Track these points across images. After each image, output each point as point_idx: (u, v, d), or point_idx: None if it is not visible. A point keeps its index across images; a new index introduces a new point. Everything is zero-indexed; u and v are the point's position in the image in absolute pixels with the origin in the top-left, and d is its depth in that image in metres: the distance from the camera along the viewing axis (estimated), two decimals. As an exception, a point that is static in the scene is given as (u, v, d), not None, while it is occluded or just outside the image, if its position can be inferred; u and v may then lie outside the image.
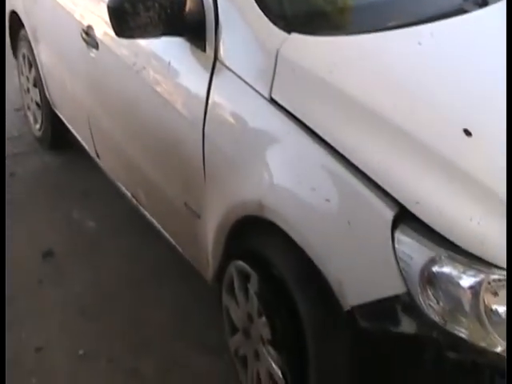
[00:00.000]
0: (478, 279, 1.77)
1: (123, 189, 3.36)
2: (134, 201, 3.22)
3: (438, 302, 1.80)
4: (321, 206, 1.98)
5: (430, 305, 1.81)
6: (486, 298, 1.78)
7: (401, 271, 1.83)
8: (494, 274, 1.76)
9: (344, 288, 1.95)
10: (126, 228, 3.72)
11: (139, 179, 3.08)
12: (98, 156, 3.57)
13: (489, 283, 1.76)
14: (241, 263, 2.40)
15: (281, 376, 2.29)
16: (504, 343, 1.76)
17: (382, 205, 1.86)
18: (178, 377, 2.78)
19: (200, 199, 2.57)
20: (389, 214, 1.84)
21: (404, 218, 1.85)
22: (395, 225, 1.85)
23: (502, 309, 1.78)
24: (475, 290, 1.78)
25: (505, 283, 1.77)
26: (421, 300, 1.81)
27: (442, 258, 1.78)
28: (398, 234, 1.83)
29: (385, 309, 1.89)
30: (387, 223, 1.84)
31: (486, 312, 1.77)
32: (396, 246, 1.83)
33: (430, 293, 1.81)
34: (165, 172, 2.79)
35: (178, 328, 3.03)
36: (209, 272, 2.66)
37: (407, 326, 1.88)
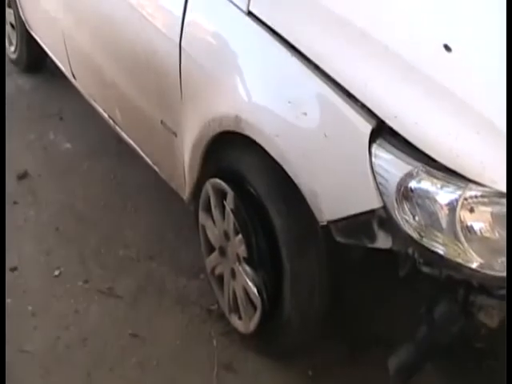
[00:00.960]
0: (454, 195, 1.74)
1: (100, 110, 3.29)
2: (111, 121, 3.16)
3: (414, 218, 1.78)
4: (298, 120, 1.95)
5: (406, 220, 1.79)
6: (463, 214, 1.75)
7: (378, 186, 1.80)
8: (470, 190, 1.73)
9: (320, 202, 1.93)
10: (103, 150, 3.67)
11: (116, 98, 3.01)
12: (74, 77, 3.49)
13: (465, 199, 1.74)
14: (217, 181, 2.37)
15: (256, 294, 2.27)
16: (479, 259, 1.74)
17: (360, 118, 1.82)
18: (153, 296, 2.76)
19: (176, 116, 2.52)
20: (366, 127, 1.81)
21: (382, 132, 1.82)
22: (373, 139, 1.81)
23: (477, 225, 1.76)
24: (452, 206, 1.75)
25: (481, 200, 1.74)
26: (397, 215, 1.79)
27: (419, 172, 1.75)
28: (375, 149, 1.80)
29: (361, 224, 1.87)
30: (365, 137, 1.81)
31: (461, 228, 1.75)
32: (373, 160, 1.80)
33: (406, 208, 1.78)
34: (141, 89, 2.73)
35: (153, 249, 3.00)
36: (186, 191, 2.61)
37: (383, 241, 1.87)
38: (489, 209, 1.75)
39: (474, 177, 1.73)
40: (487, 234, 1.75)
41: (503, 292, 1.81)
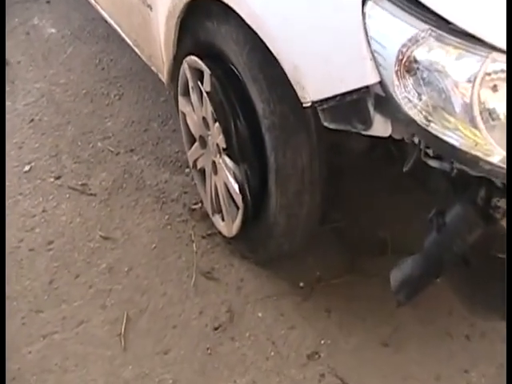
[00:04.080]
0: (473, 68, 1.32)
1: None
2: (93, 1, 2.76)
3: (419, 97, 1.39)
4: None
5: (409, 100, 1.40)
6: (483, 93, 1.34)
7: (373, 55, 1.39)
8: (495, 61, 1.31)
9: (302, 77, 1.56)
10: (89, 34, 3.35)
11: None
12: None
13: (488, 74, 1.33)
14: (193, 58, 2.02)
15: (238, 190, 1.91)
16: (502, 151, 1.35)
17: None
18: (130, 193, 2.44)
19: None
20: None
21: None
22: None
23: (501, 108, 1.35)
24: (469, 82, 1.34)
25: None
26: (397, 93, 1.40)
27: (427, 36, 1.34)
28: (370, 8, 1.41)
29: (353, 104, 1.49)
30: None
31: (481, 112, 1.35)
32: (367, 21, 1.39)
33: (409, 84, 1.39)
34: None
35: (135, 141, 2.66)
36: (164, 73, 2.23)
37: (381, 126, 1.49)
38: None
39: (499, 44, 1.29)
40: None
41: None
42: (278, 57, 1.60)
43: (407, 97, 1.39)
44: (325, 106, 1.53)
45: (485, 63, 1.31)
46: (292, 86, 1.64)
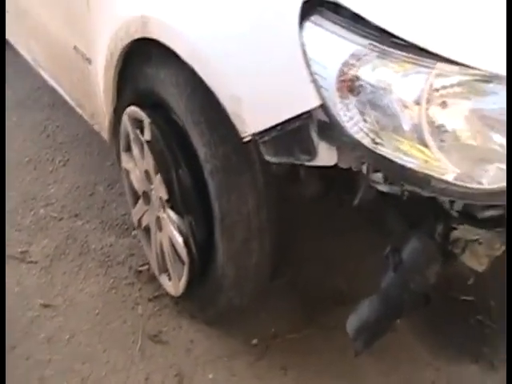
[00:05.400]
0: (419, 85, 1.24)
1: (23, 53, 2.81)
2: (31, 59, 2.68)
3: (364, 118, 1.29)
4: (211, 4, 1.45)
5: (353, 122, 1.30)
6: (432, 111, 1.26)
7: (313, 78, 1.30)
8: (442, 74, 1.25)
9: (242, 109, 1.47)
10: (34, 102, 3.22)
11: (30, 30, 2.61)
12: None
13: (436, 90, 1.23)
14: (133, 108, 1.92)
15: (181, 243, 1.79)
16: (456, 169, 1.25)
17: None
18: (74, 258, 2.28)
19: (86, 35, 2.08)
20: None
21: (317, 5, 1.32)
22: (305, 15, 1.31)
23: (452, 125, 1.25)
24: (416, 100, 1.25)
25: (458, 90, 1.23)
26: (341, 115, 1.31)
27: (369, 53, 1.26)
28: (308, 28, 1.33)
29: (295, 133, 1.40)
30: (294, 13, 1.32)
31: (431, 131, 1.25)
32: (305, 42, 1.31)
33: (353, 104, 1.30)
34: (51, 8, 2.29)
35: (80, 206, 2.53)
36: (106, 127, 2.13)
37: (326, 155, 1.39)
38: (468, 103, 1.23)
39: (445, 52, 1.23)
40: (466, 139, 1.24)
41: (491, 213, 1.31)
42: (216, 91, 1.51)
43: (352, 118, 1.29)
44: (266, 138, 1.43)
45: (430, 77, 1.22)
46: (233, 127, 1.54)
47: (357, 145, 1.31)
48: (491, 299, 2.01)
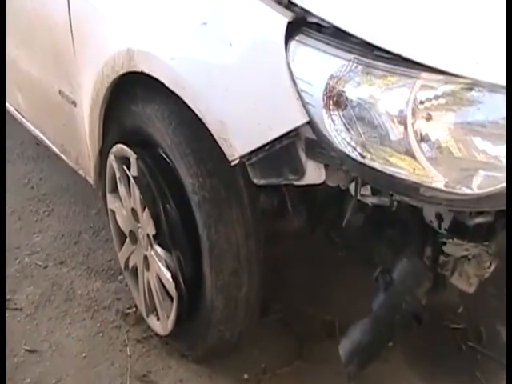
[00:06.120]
0: (403, 98, 1.25)
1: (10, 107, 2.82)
2: (14, 110, 2.69)
3: (351, 132, 1.30)
4: (196, 32, 1.49)
5: (342, 137, 1.30)
6: (418, 124, 1.28)
7: (299, 95, 1.31)
8: (426, 85, 1.28)
9: (229, 133, 1.48)
10: (17, 158, 3.19)
11: (15, 79, 2.60)
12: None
13: (421, 103, 1.25)
14: (119, 146, 1.93)
15: (170, 278, 1.77)
16: (443, 178, 1.26)
17: (272, 12, 1.37)
18: (59, 304, 2.24)
19: (72, 78, 2.10)
20: (281, 21, 1.33)
21: (302, 25, 1.36)
22: (290, 35, 1.33)
23: (438, 137, 1.27)
24: (401, 114, 1.26)
25: (441, 101, 1.25)
26: (328, 130, 1.32)
27: (354, 68, 1.28)
28: (293, 47, 1.35)
29: (282, 152, 1.41)
30: (279, 35, 1.34)
31: (417, 143, 1.27)
32: (290, 61, 1.33)
33: (340, 119, 1.31)
34: (36, 56, 2.33)
35: (65, 253, 2.50)
36: (91, 170, 2.13)
37: (313, 174, 1.40)
38: (452, 114, 1.25)
39: (429, 61, 1.25)
40: (452, 150, 1.26)
41: (480, 220, 1.31)
42: (203, 117, 1.53)
43: (339, 133, 1.31)
44: (254, 160, 1.43)
45: (414, 89, 1.24)
46: (221, 158, 1.55)
47: (345, 159, 1.32)
48: (481, 326, 1.99)
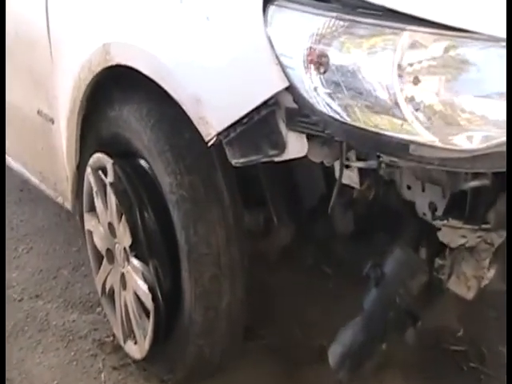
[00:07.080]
0: (387, 58, 1.16)
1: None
2: None
3: (334, 94, 1.20)
4: (172, 9, 1.44)
5: (324, 100, 1.20)
6: (405, 90, 1.18)
7: (278, 60, 1.22)
8: (414, 45, 1.18)
9: (205, 109, 1.37)
10: (0, 200, 3.06)
11: None
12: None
13: (410, 65, 1.16)
14: (95, 156, 1.86)
15: (146, 291, 1.64)
16: (433, 137, 1.15)
17: None
18: (32, 335, 2.11)
19: (50, 91, 2.04)
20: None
21: None
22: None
23: (425, 99, 1.20)
24: (386, 79, 1.16)
25: (432, 63, 1.16)
26: (310, 94, 1.23)
27: (337, 28, 1.19)
28: (272, 11, 1.27)
29: (262, 125, 1.30)
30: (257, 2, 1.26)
31: (406, 106, 1.17)
32: (269, 24, 1.25)
33: (322, 82, 1.21)
34: (14, 81, 2.25)
35: (42, 288, 2.38)
36: (69, 190, 2.03)
37: (295, 146, 1.30)
38: (441, 77, 1.15)
39: (416, 12, 1.16)
40: (442, 112, 1.15)
41: (476, 183, 1.20)
42: (179, 98, 1.45)
43: (321, 96, 1.20)
44: (232, 136, 1.33)
45: (401, 47, 1.14)
46: (201, 154, 1.53)
47: (328, 122, 1.22)
48: (483, 347, 1.85)
